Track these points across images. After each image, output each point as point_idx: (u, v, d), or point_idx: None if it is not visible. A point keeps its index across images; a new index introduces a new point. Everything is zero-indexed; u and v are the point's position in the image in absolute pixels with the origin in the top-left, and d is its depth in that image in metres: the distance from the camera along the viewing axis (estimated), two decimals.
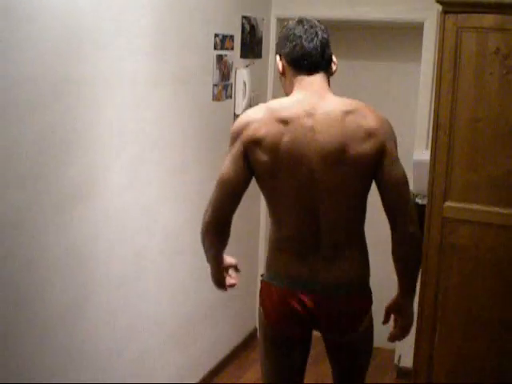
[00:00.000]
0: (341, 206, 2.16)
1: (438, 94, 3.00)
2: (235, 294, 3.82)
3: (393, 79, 4.08)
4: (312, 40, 2.12)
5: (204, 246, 2.29)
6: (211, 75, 3.29)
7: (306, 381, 2.49)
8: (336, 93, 4.24)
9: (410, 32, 3.81)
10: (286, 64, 2.17)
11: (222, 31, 3.32)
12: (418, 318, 3.20)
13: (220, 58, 3.32)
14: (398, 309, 2.38)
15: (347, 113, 2.12)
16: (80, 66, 2.38)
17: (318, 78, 2.16)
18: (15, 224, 2.17)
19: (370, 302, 2.34)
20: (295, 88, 2.16)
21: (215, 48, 3.28)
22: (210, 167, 3.38)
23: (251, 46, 3.68)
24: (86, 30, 2.38)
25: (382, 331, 4.21)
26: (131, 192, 2.76)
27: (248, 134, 2.11)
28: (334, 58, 2.23)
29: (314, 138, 2.08)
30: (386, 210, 2.22)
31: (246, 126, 2.12)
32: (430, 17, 3.52)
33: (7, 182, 2.12)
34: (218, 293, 3.58)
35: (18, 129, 2.13)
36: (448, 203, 3.04)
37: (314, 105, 2.11)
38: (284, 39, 2.17)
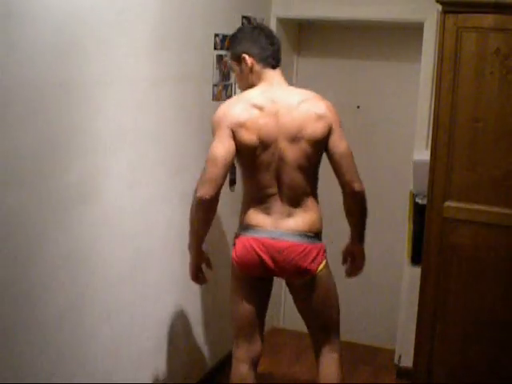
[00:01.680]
0: (297, 175, 2.64)
1: (438, 94, 3.00)
2: None
3: (393, 79, 4.07)
4: (274, 43, 2.72)
5: (193, 225, 2.67)
6: (211, 75, 3.29)
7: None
8: (336, 92, 4.28)
9: (410, 32, 3.80)
10: (254, 62, 2.67)
11: (221, 31, 3.32)
12: (417, 317, 3.21)
13: (220, 58, 3.32)
14: (352, 253, 2.88)
15: (302, 101, 2.64)
16: (80, 67, 2.37)
17: (278, 72, 2.72)
18: (15, 226, 2.16)
19: (321, 249, 2.72)
20: (262, 80, 2.68)
21: (215, 48, 3.28)
22: None
23: None
24: (86, 31, 2.37)
25: (381, 331, 4.22)
26: (131, 192, 2.76)
27: (232, 118, 2.57)
28: None
29: (279, 121, 2.60)
30: (336, 175, 2.68)
31: (228, 112, 2.59)
32: (430, 17, 3.52)
33: (7, 184, 2.11)
34: (217, 293, 3.59)
35: (18, 130, 2.13)
36: (448, 203, 3.04)
37: (277, 94, 2.64)
38: (250, 42, 2.68)
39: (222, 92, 3.40)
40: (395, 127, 4.11)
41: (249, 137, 2.57)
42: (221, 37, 3.31)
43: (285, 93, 2.67)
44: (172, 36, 2.91)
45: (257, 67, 2.67)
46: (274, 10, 3.91)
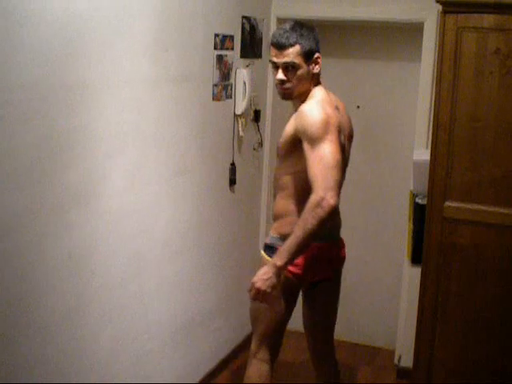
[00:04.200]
0: (344, 172, 2.60)
1: (438, 94, 3.00)
2: (235, 295, 3.81)
3: (393, 79, 4.07)
4: None
5: (310, 235, 2.38)
6: (211, 75, 3.29)
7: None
8: (336, 92, 4.26)
9: (410, 32, 3.81)
10: None
11: (222, 31, 3.32)
12: (417, 317, 3.21)
13: (220, 57, 3.32)
14: None
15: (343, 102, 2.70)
16: (80, 68, 2.37)
17: None
18: (15, 227, 2.16)
19: None
20: (318, 83, 2.58)
21: (215, 48, 3.28)
22: (210, 167, 3.38)
23: (251, 46, 3.67)
24: (86, 31, 2.37)
25: (381, 331, 4.22)
26: (131, 194, 2.76)
27: (335, 120, 2.45)
28: None
29: (342, 120, 2.57)
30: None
31: (329, 114, 2.44)
32: (430, 17, 3.52)
33: (6, 186, 2.11)
34: (218, 294, 3.59)
35: (18, 132, 2.13)
36: (448, 203, 3.04)
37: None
38: (318, 41, 2.54)
39: (222, 92, 3.40)
40: (395, 127, 4.11)
41: (343, 139, 2.52)
42: (221, 37, 3.31)
43: (330, 94, 2.64)
44: (172, 36, 2.91)
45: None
46: (274, 10, 3.91)
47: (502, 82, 2.88)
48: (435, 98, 3.04)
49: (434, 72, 3.37)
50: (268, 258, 2.58)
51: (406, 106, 3.99)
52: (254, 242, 3.99)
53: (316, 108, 2.45)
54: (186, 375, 3.37)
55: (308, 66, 2.51)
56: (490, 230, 2.98)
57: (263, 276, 2.42)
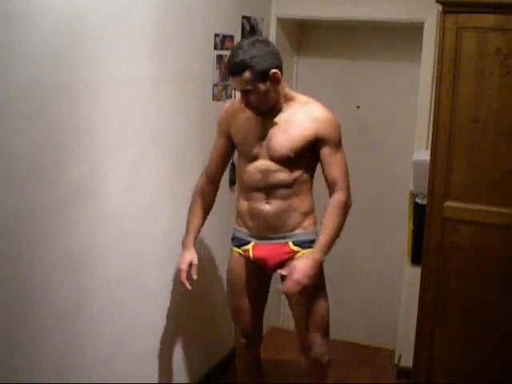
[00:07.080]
0: None
1: (438, 94, 3.00)
2: None
3: (393, 79, 4.07)
4: None
5: (342, 228, 2.67)
6: (211, 75, 3.29)
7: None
8: (336, 92, 4.23)
9: (410, 32, 3.81)
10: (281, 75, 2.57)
11: (222, 31, 3.32)
12: (417, 317, 3.21)
13: (220, 58, 3.32)
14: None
15: None
16: (80, 67, 2.37)
17: None
18: (14, 226, 2.16)
19: None
20: (289, 91, 2.67)
21: (215, 48, 3.28)
22: None
23: None
24: (86, 31, 2.37)
25: (381, 331, 4.22)
26: (131, 193, 2.76)
27: None
28: None
29: None
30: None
31: None
32: (430, 17, 3.52)
33: (6, 185, 2.11)
34: (218, 293, 3.59)
35: (19, 130, 2.13)
36: (448, 203, 3.04)
37: None
38: (272, 54, 2.52)
39: (222, 92, 3.40)
40: (395, 127, 4.11)
41: None
42: (221, 37, 3.31)
43: None
44: (172, 36, 2.91)
45: (282, 80, 2.59)
46: (274, 10, 3.91)
47: (502, 81, 2.88)
48: (435, 98, 3.04)
49: (434, 72, 3.37)
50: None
51: (405, 106, 3.98)
52: None
53: (331, 112, 2.62)
54: (186, 375, 3.37)
55: (265, 84, 2.52)
56: (490, 229, 2.99)
57: (309, 273, 2.57)
